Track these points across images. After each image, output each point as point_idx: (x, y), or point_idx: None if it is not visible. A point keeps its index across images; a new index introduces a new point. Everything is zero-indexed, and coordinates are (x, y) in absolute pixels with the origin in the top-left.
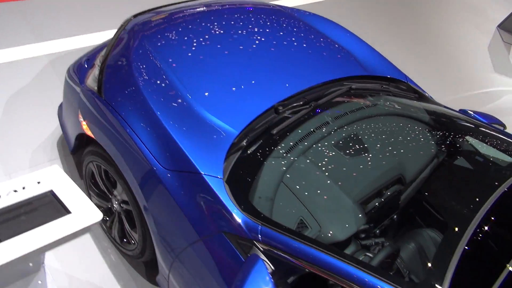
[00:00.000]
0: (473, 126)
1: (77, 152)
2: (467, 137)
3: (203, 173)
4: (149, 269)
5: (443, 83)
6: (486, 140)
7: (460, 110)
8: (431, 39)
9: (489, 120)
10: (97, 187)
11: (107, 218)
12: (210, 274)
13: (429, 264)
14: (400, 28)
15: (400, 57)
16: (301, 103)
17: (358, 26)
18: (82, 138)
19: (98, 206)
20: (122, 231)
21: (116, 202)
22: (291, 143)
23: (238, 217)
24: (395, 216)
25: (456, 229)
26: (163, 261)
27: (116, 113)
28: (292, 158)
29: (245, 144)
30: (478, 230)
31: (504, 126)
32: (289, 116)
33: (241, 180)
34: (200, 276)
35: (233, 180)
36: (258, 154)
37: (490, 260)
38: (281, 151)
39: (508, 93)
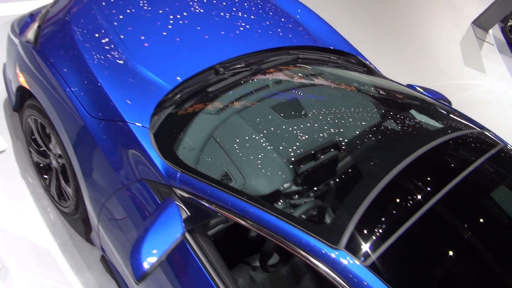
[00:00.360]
0: (416, 98)
1: (21, 110)
2: (409, 109)
3: (128, 121)
4: (87, 229)
5: (414, 73)
6: (426, 111)
7: (407, 84)
8: (406, 31)
9: (436, 96)
10: (36, 144)
11: (46, 176)
12: (131, 221)
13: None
14: (377, 19)
15: (373, 47)
16: (243, 65)
17: (335, 20)
18: (24, 95)
19: (38, 164)
20: (59, 188)
21: (53, 158)
22: (226, 102)
23: (159, 164)
24: (331, 182)
25: (371, 179)
26: (92, 212)
27: (48, 61)
28: (225, 115)
29: (178, 99)
30: (392, 182)
31: (449, 102)
32: (229, 77)
33: (169, 132)
34: (123, 224)
35: (162, 132)
36: (191, 109)
37: (397, 211)
38: (214, 108)
39: (476, 86)
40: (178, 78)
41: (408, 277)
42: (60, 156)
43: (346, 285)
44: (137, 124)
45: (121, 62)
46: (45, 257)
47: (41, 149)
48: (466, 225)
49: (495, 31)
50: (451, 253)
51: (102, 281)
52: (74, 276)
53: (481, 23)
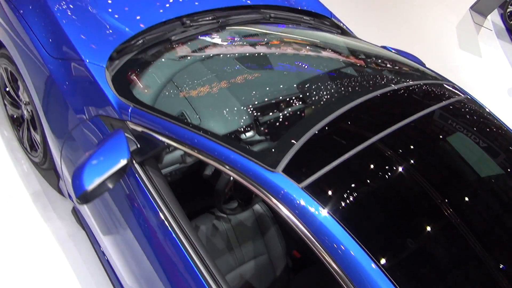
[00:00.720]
0: (386, 55)
1: None
2: (377, 64)
3: (84, 59)
4: (58, 180)
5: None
6: (396, 66)
7: (381, 46)
8: (402, 12)
9: (410, 58)
10: (10, 96)
11: (20, 128)
12: None
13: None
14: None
15: (366, 26)
16: (210, 18)
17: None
18: None
19: (12, 116)
20: (31, 139)
21: (24, 108)
22: (190, 51)
23: (112, 99)
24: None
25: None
26: (55, 154)
27: (12, 5)
28: (188, 62)
29: (141, 46)
30: (338, 118)
31: (423, 64)
32: (194, 29)
33: (127, 75)
34: None
35: (120, 74)
36: (152, 56)
37: (338, 142)
38: (177, 56)
39: (471, 69)
40: (141, 25)
41: (343, 200)
42: (28, 103)
43: (282, 206)
44: (93, 62)
45: (84, 8)
46: (16, 207)
47: (14, 100)
48: (408, 161)
49: (494, 17)
50: (386, 182)
51: (72, 231)
52: (44, 224)
53: (479, 9)
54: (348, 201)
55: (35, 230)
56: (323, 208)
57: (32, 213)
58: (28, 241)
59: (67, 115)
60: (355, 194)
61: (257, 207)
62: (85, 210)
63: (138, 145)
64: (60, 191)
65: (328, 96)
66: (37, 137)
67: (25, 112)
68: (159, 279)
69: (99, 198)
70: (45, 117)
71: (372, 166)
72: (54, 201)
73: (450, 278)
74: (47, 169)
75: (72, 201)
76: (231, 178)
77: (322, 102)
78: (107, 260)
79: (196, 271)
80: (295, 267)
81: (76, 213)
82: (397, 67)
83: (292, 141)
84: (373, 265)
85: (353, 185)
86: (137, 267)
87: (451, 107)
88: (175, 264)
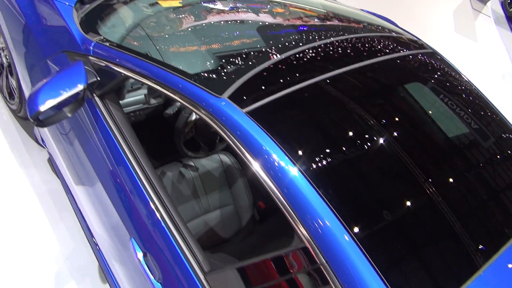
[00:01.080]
0: (358, 14)
1: None
2: (349, 22)
3: None
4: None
5: None
6: (370, 23)
7: (360, 9)
8: None
9: (386, 20)
10: None
11: (0, 77)
12: None
13: None
14: None
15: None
16: None
17: None
18: None
19: None
20: (9, 87)
21: (3, 55)
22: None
23: (77, 35)
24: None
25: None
26: (27, 94)
27: None
28: (159, 9)
29: None
30: (290, 57)
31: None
32: None
33: (95, 17)
34: None
35: (89, 16)
36: (123, 2)
37: (285, 77)
38: (148, 2)
39: (465, 52)
40: None
41: (285, 127)
42: (5, 49)
43: (227, 131)
44: (61, 1)
45: None
46: None
47: None
48: (355, 101)
49: (493, 4)
50: (332, 118)
51: (47, 179)
52: (20, 171)
53: None
54: (291, 129)
55: (10, 175)
56: (266, 134)
57: (9, 159)
58: (2, 185)
59: (37, 53)
60: (297, 122)
61: (225, 158)
62: (58, 157)
63: (98, 78)
64: (35, 138)
65: (284, 40)
66: (13, 83)
67: (3, 59)
68: (122, 222)
69: (67, 141)
70: (17, 57)
71: (319, 102)
72: (31, 150)
73: (427, 251)
74: (24, 117)
75: (45, 146)
76: (192, 117)
77: (275, 44)
78: (78, 207)
79: (156, 213)
80: (261, 218)
81: (51, 162)
82: (366, 23)
83: (240, 73)
84: (311, 188)
85: (295, 115)
86: (102, 209)
87: (414, 57)
88: (135, 204)
